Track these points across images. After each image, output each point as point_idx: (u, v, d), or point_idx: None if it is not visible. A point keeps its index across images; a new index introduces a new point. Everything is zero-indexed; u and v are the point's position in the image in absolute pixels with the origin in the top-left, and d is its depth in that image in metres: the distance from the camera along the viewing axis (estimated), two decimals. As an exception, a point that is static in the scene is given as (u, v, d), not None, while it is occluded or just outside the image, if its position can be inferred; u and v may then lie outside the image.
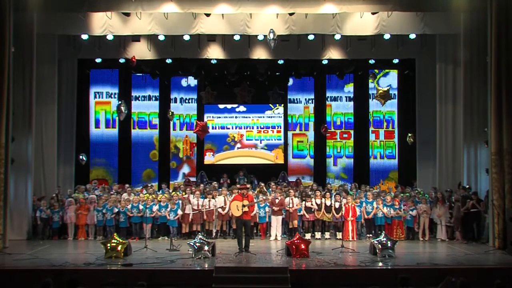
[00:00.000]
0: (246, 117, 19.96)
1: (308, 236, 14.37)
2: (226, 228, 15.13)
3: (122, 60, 17.37)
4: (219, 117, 19.88)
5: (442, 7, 14.69)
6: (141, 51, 16.60)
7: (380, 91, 16.63)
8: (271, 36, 14.00)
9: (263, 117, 19.95)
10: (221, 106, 19.83)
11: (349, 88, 20.08)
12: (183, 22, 15.41)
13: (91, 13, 15.24)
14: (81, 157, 16.87)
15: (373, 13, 15.12)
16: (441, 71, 16.59)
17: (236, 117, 19.94)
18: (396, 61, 18.26)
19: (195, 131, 17.41)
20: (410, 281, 8.20)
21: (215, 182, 17.16)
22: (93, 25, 15.51)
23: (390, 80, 19.71)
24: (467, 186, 14.89)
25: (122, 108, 15.41)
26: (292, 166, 19.99)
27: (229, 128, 19.96)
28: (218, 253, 12.08)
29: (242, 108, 19.87)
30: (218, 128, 19.81)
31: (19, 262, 11.35)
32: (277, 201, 14.72)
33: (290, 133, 20.15)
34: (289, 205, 14.66)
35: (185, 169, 19.99)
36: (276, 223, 14.77)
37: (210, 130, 18.66)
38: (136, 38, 16.43)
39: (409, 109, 18.89)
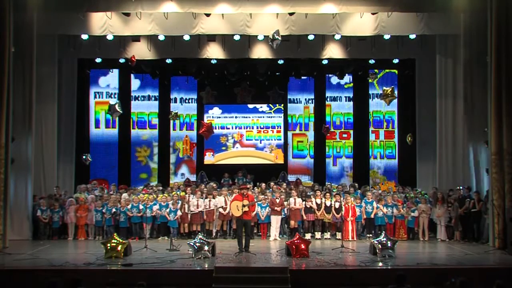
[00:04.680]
0: (246, 117, 19.97)
1: (308, 236, 14.38)
2: (226, 228, 15.14)
3: (122, 60, 17.37)
4: (219, 117, 19.88)
5: (442, 7, 14.69)
6: (141, 51, 16.58)
7: (386, 91, 16.60)
8: (276, 36, 13.95)
9: (263, 117, 19.95)
10: (250, 106, 19.85)
11: (349, 88, 20.08)
12: (183, 22, 15.41)
13: (91, 13, 15.26)
14: (84, 157, 16.79)
15: (372, 14, 15.14)
16: (441, 71, 16.58)
17: (236, 117, 19.95)
18: (396, 61, 18.25)
19: (201, 132, 17.43)
20: (406, 278, 8.24)
21: (213, 183, 17.14)
22: (93, 25, 15.52)
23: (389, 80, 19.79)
24: (462, 187, 14.92)
25: (117, 107, 15.31)
26: (292, 166, 20.00)
27: (229, 128, 19.97)
28: (218, 253, 12.08)
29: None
30: (218, 128, 19.77)
31: (19, 262, 11.35)
32: (277, 201, 14.73)
33: (290, 133, 20.15)
34: (290, 204, 14.66)
35: (184, 169, 19.99)
36: (276, 223, 14.78)
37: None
38: (136, 38, 16.42)
39: (409, 109, 18.90)
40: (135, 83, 19.84)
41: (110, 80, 19.67)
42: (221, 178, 18.27)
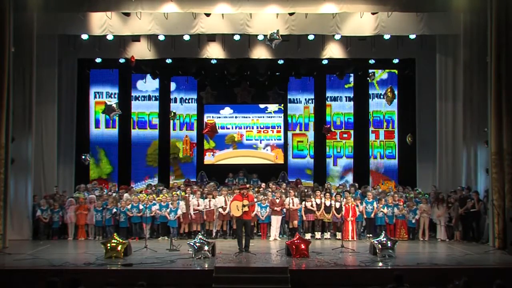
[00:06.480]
0: (246, 117, 19.97)
1: (308, 236, 14.37)
2: (226, 228, 15.14)
3: (122, 60, 17.38)
4: (219, 117, 19.87)
5: (442, 7, 14.71)
6: (141, 51, 16.59)
7: (387, 91, 16.65)
8: (276, 36, 13.94)
9: (263, 117, 19.95)
10: (262, 106, 19.83)
11: (349, 88, 20.07)
12: (183, 22, 15.42)
13: (91, 13, 15.27)
14: (83, 157, 16.78)
15: (372, 14, 15.14)
16: (441, 71, 16.60)
17: (236, 117, 19.95)
18: (396, 61, 18.26)
19: (205, 132, 17.37)
20: (405, 278, 8.25)
21: (212, 183, 17.13)
22: (93, 25, 15.53)
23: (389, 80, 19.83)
24: (463, 187, 14.94)
25: (116, 107, 15.26)
26: (292, 166, 20.00)
27: (229, 128, 19.97)
28: (218, 253, 12.08)
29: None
30: (218, 128, 19.73)
31: (19, 262, 11.35)
32: (277, 201, 14.73)
33: (290, 133, 20.14)
34: (289, 205, 14.67)
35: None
36: (276, 223, 14.78)
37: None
38: (136, 38, 16.42)
39: (409, 109, 18.90)
40: (171, 85, 19.98)
41: (148, 85, 19.80)
42: (225, 178, 18.27)
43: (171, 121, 19.50)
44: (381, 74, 19.85)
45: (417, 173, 18.02)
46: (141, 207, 14.64)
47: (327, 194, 15.21)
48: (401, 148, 19.47)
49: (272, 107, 19.87)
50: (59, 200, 15.27)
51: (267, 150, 19.89)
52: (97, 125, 19.64)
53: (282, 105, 19.97)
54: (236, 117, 19.95)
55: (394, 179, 19.51)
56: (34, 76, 14.82)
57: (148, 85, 19.79)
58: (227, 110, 19.91)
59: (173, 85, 20.00)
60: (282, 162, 19.86)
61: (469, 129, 15.21)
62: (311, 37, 16.00)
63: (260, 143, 19.92)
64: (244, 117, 19.96)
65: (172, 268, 10.72)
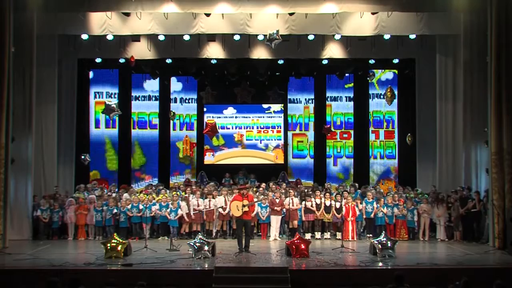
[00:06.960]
0: (246, 117, 19.97)
1: (308, 236, 14.37)
2: (226, 228, 15.14)
3: (122, 60, 17.37)
4: (219, 117, 19.86)
5: (442, 7, 14.72)
6: (141, 51, 16.59)
7: (386, 91, 16.60)
8: (276, 36, 13.95)
9: (263, 117, 19.94)
10: (265, 106, 19.76)
11: (349, 88, 20.07)
12: (183, 22, 15.43)
13: (91, 13, 15.27)
14: (83, 157, 16.77)
15: (372, 13, 15.15)
16: (441, 71, 16.61)
17: (236, 117, 19.94)
18: (396, 61, 18.26)
19: (205, 132, 17.34)
20: (405, 278, 8.25)
21: (212, 183, 17.13)
22: (93, 25, 15.53)
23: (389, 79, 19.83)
24: (463, 187, 14.94)
25: (116, 107, 15.25)
26: (292, 166, 20.00)
27: (229, 128, 19.96)
28: (218, 253, 12.07)
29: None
30: (219, 128, 19.75)
31: (19, 262, 11.34)
32: (277, 201, 14.73)
33: (290, 133, 20.14)
34: (289, 205, 14.67)
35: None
36: (276, 223, 14.78)
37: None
38: (136, 38, 16.42)
39: (409, 109, 18.90)
40: (177, 85, 20.02)
41: (154, 85, 19.80)
42: (222, 178, 18.26)
43: (171, 121, 19.51)
44: (381, 74, 19.87)
45: (417, 173, 18.02)
46: (141, 207, 14.64)
47: (327, 194, 15.21)
48: (401, 148, 19.47)
49: (275, 107, 19.88)
50: (59, 200, 15.27)
51: (274, 152, 19.88)
52: (97, 125, 19.65)
53: (282, 105, 19.97)
54: (236, 117, 19.94)
55: (394, 179, 19.52)
56: (34, 76, 14.82)
57: (154, 85, 19.80)
58: (230, 110, 19.91)
59: (179, 85, 20.00)
60: (282, 162, 19.86)
61: (469, 129, 15.21)
62: (311, 37, 15.99)
63: (260, 143, 19.91)
64: (244, 117, 19.96)
65: (172, 268, 10.71)
